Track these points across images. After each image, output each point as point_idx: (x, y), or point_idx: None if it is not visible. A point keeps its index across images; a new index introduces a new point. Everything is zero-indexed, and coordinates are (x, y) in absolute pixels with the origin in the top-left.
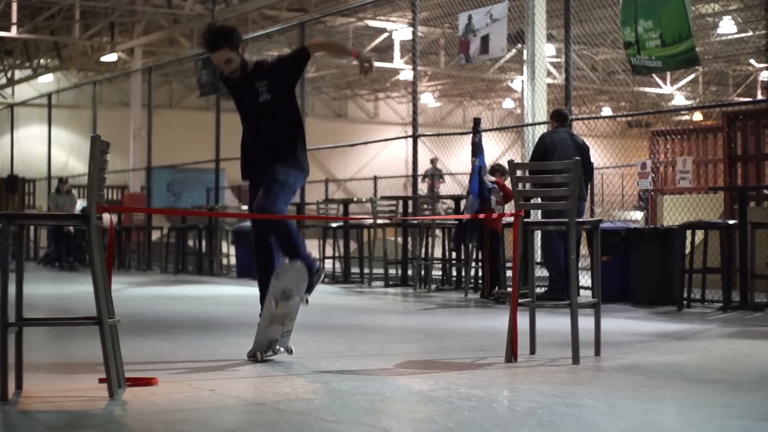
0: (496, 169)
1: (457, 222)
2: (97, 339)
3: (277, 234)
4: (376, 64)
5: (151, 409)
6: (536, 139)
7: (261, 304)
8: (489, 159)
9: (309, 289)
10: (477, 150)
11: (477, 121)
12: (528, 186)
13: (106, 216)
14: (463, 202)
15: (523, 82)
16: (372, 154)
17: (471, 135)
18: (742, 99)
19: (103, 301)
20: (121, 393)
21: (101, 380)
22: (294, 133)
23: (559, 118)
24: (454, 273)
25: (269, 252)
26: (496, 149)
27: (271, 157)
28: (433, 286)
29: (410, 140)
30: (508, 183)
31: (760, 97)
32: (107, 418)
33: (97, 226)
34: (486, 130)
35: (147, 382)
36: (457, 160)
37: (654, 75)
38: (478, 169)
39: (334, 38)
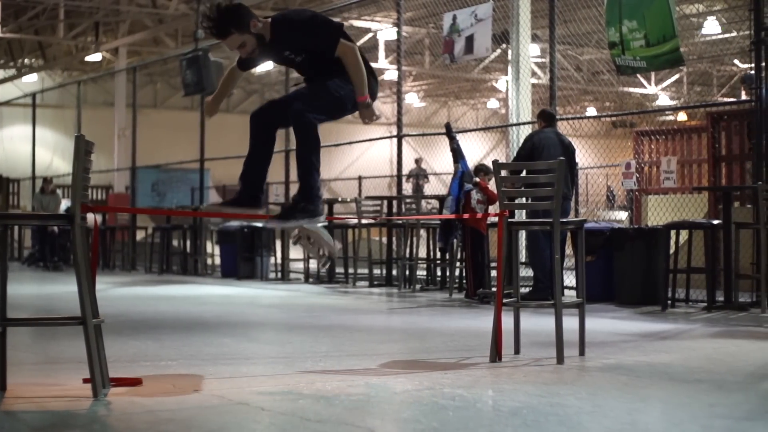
0: (480, 169)
1: (440, 222)
2: (82, 339)
3: (297, 132)
4: None
5: (135, 410)
6: (521, 139)
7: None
8: (475, 159)
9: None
10: (458, 156)
11: (448, 127)
12: (513, 185)
13: (90, 216)
14: (446, 202)
15: (507, 82)
16: (357, 154)
17: (455, 135)
18: (726, 99)
19: (87, 301)
20: (105, 393)
21: (85, 380)
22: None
23: (546, 118)
24: (439, 273)
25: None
26: (481, 149)
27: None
28: (418, 286)
29: (395, 140)
30: (492, 184)
31: (744, 97)
32: (91, 418)
33: (82, 226)
34: (470, 130)
35: (131, 382)
36: (442, 159)
37: (638, 75)
38: (461, 174)
39: None
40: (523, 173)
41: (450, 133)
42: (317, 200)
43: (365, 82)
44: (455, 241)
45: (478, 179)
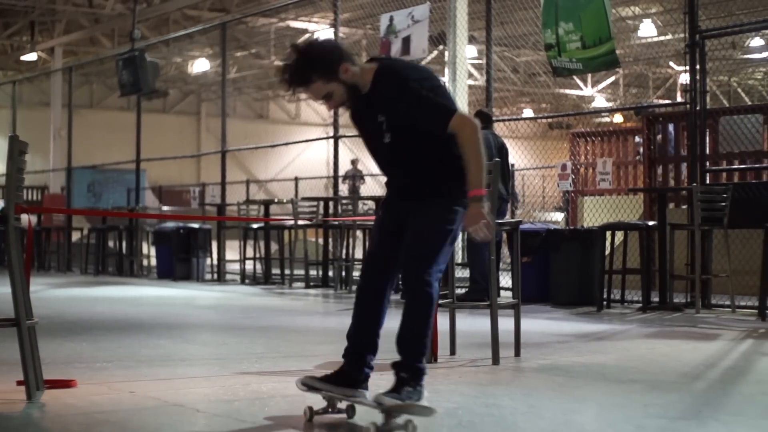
0: None
1: None
2: (15, 341)
3: (406, 297)
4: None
5: (69, 412)
6: None
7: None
8: None
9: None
10: None
11: None
12: None
13: (24, 216)
14: None
15: (444, 83)
16: (293, 155)
17: None
18: (661, 101)
19: (21, 302)
20: (40, 395)
21: (19, 382)
22: (438, 173)
23: (484, 119)
24: None
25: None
26: None
27: (411, 201)
28: (354, 287)
29: (331, 141)
30: None
31: (679, 99)
32: (25, 420)
33: (16, 227)
34: None
35: (66, 384)
36: None
37: (575, 77)
38: None
39: (256, 38)
40: None
41: None
42: (424, 376)
43: (484, 169)
44: None
45: None
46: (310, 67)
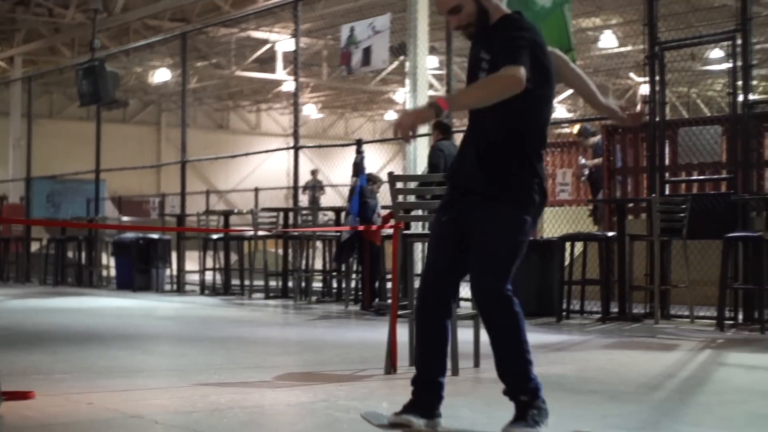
0: (369, 179)
1: (338, 239)
2: None
3: (487, 318)
4: (258, 75)
5: (27, 424)
6: (418, 152)
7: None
8: (372, 172)
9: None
10: (358, 170)
11: (359, 143)
12: (410, 198)
13: None
14: (343, 215)
15: (405, 94)
16: (253, 166)
17: (353, 147)
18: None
19: None
20: None
21: None
22: (508, 147)
23: (444, 130)
24: (335, 285)
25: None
26: (378, 162)
27: (475, 184)
28: (314, 298)
29: (292, 152)
30: (382, 193)
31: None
32: None
33: None
34: (368, 142)
35: (23, 396)
36: (339, 171)
37: None
38: (359, 189)
39: (216, 48)
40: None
41: (359, 147)
42: (541, 391)
43: (469, 100)
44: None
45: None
46: None
